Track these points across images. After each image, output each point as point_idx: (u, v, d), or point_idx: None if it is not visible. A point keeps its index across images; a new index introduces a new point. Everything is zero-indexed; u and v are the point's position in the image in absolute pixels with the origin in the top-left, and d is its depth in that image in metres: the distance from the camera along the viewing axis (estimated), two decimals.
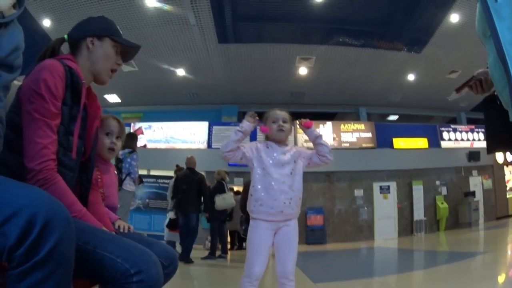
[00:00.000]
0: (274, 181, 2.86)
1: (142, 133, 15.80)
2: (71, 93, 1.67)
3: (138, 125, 16.21)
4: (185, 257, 8.06)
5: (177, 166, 9.72)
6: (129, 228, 2.27)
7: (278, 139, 3.01)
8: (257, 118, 2.98)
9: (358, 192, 15.58)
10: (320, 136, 3.04)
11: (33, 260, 1.08)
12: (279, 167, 2.92)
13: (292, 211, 2.90)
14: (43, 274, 1.10)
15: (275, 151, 2.97)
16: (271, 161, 2.91)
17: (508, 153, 17.05)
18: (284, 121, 2.99)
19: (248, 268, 2.85)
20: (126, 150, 6.68)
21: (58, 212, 1.15)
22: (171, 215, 9.26)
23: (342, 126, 16.21)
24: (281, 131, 2.96)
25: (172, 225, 9.10)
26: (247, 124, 2.92)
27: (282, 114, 3.04)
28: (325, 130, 15.82)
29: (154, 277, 1.42)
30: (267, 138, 3.10)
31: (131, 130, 15.78)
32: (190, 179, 8.41)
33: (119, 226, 2.22)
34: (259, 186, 2.89)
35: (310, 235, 14.53)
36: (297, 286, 2.88)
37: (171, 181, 9.57)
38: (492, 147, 2.07)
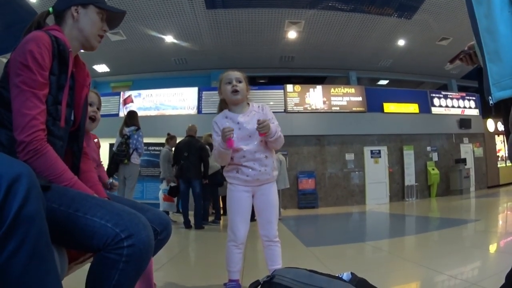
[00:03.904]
0: (245, 153, 2.81)
1: (132, 101, 15.72)
2: (58, 62, 1.66)
3: (127, 93, 16.09)
4: (198, 225, 8.32)
5: (168, 134, 9.69)
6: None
7: (234, 102, 2.89)
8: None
9: (349, 156, 15.69)
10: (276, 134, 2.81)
11: (3, 228, 1.02)
12: (247, 139, 2.83)
13: (268, 176, 2.88)
14: (18, 239, 1.04)
15: (236, 122, 2.85)
16: (236, 136, 2.76)
17: (499, 123, 17.17)
18: (238, 81, 2.88)
19: (232, 232, 2.85)
20: (132, 128, 6.86)
21: (21, 173, 1.08)
22: (163, 186, 9.32)
23: (332, 90, 16.13)
24: (235, 92, 2.84)
25: (172, 192, 9.15)
26: (219, 145, 2.71)
27: (235, 74, 2.92)
28: (315, 94, 15.80)
29: (145, 240, 1.42)
30: (224, 103, 2.99)
31: (121, 99, 15.70)
32: (192, 146, 8.46)
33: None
34: (232, 159, 2.85)
35: (302, 199, 14.73)
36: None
37: (163, 149, 9.58)
38: (488, 113, 2.09)
